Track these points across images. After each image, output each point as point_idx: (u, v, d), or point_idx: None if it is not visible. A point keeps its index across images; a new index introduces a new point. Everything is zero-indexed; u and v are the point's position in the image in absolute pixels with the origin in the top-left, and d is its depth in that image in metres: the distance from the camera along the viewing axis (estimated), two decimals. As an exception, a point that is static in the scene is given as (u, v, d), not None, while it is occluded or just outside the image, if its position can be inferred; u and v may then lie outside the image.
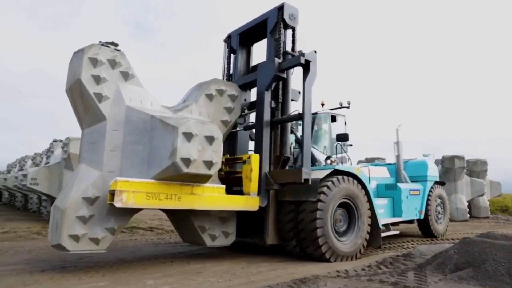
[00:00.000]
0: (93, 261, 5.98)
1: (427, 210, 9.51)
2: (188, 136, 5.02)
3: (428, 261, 5.27)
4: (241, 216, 7.19)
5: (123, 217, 5.32)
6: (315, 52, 6.46)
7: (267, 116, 6.55)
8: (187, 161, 4.94)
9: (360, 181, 6.95)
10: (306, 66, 6.34)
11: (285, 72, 6.73)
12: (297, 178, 5.90)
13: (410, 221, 9.58)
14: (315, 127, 8.39)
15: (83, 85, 5.22)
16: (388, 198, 8.84)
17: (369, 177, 8.31)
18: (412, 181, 9.92)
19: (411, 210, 9.09)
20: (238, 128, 7.45)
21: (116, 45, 5.71)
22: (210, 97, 6.43)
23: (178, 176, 5.04)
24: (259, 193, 6.26)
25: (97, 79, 5.32)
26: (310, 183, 5.98)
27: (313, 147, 8.12)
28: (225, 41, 8.30)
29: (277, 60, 6.55)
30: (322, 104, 8.77)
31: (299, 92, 7.57)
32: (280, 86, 6.91)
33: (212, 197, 5.69)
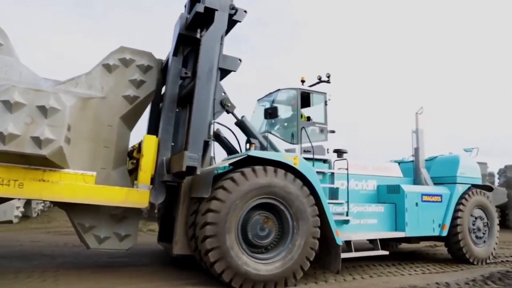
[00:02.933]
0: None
1: (454, 224, 6.72)
2: (8, 105, 3.96)
3: (546, 281, 4.49)
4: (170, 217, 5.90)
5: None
6: (227, -3, 4.83)
7: (171, 88, 5.14)
8: (1, 136, 3.87)
9: (301, 177, 4.97)
10: (210, 17, 4.75)
11: (199, 31, 5.21)
12: (179, 165, 4.35)
13: (437, 238, 6.93)
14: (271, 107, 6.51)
15: None
16: (387, 205, 6.44)
17: (347, 174, 6.12)
18: (436, 183, 7.21)
19: (425, 223, 6.48)
20: None
21: None
22: (108, 67, 5.29)
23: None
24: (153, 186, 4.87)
25: None
26: (198, 173, 4.36)
27: (271, 133, 6.31)
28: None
29: (183, 15, 5.10)
30: (303, 81, 6.87)
31: (240, 60, 5.92)
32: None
33: (74, 186, 4.51)
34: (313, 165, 5.79)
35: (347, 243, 5.65)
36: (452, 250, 6.85)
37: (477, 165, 7.52)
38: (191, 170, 4.31)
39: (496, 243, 7.24)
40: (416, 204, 6.43)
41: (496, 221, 7.32)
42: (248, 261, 4.48)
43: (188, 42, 5.25)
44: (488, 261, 7.01)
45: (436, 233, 6.60)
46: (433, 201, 6.65)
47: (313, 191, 5.01)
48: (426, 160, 7.62)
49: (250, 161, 4.80)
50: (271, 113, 5.28)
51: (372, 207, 6.26)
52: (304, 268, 4.77)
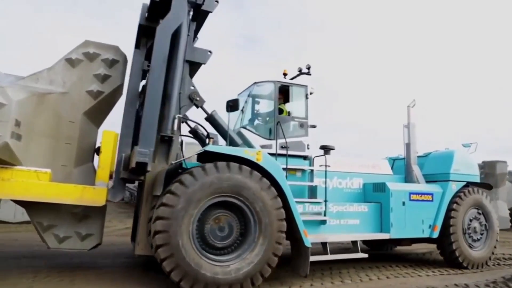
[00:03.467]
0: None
1: (446, 225, 6.24)
2: None
3: None
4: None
5: None
6: (185, -16, 4.58)
7: (132, 81, 4.93)
8: None
9: (266, 174, 4.66)
10: (166, 5, 4.51)
11: (161, 22, 4.97)
12: (131, 162, 4.13)
13: (429, 240, 6.46)
14: (249, 102, 6.21)
15: None
16: (372, 204, 6.04)
17: (325, 171, 5.76)
18: (429, 181, 6.74)
19: (413, 224, 6.04)
20: None
21: None
22: (71, 62, 5.12)
23: None
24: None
25: None
26: (149, 169, 4.13)
27: (246, 129, 6.01)
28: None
29: (145, 5, 4.88)
30: (285, 74, 6.54)
31: (210, 52, 5.67)
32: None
33: (25, 183, 4.36)
34: (287, 162, 5.48)
35: (323, 244, 5.31)
36: (444, 253, 6.37)
37: (475, 161, 6.99)
38: (141, 166, 4.08)
39: (495, 246, 6.70)
40: (403, 203, 6.00)
41: (496, 222, 6.78)
42: (205, 264, 4.18)
43: (149, 33, 5.02)
44: (485, 265, 6.49)
45: (426, 235, 6.14)
46: (422, 200, 6.19)
47: (280, 188, 4.70)
48: (419, 157, 7.17)
49: (218, 157, 4.53)
50: (232, 106, 4.97)
51: (354, 207, 5.87)
52: (272, 264, 4.46)
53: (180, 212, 4.09)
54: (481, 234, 6.59)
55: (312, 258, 4.81)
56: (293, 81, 6.34)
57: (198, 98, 5.42)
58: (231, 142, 5.61)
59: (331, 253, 5.29)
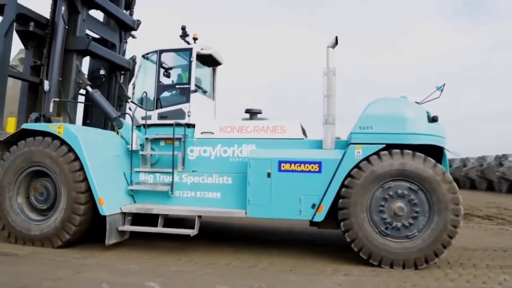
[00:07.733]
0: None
1: (340, 205, 4.34)
2: None
3: None
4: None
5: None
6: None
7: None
8: None
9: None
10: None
11: (32, 25, 5.89)
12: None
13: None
14: (138, 76, 6.14)
15: None
16: (238, 175, 5.09)
17: (194, 139, 5.27)
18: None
19: (283, 202, 4.58)
20: None
21: None
22: None
23: None
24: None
25: None
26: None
27: (133, 103, 6.12)
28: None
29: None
30: (195, 39, 6.21)
31: (88, 37, 6.23)
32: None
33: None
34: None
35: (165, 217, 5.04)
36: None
37: (416, 112, 4.35)
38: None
39: (449, 236, 4.07)
40: (268, 174, 4.66)
41: (450, 199, 4.05)
42: (22, 223, 5.05)
43: (32, 35, 6.05)
44: (423, 264, 4.10)
45: (306, 217, 4.53)
46: (302, 171, 4.58)
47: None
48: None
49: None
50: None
51: (213, 178, 5.08)
52: (74, 222, 4.85)
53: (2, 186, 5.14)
54: (414, 219, 4.16)
55: (122, 228, 4.92)
56: (178, 47, 5.97)
57: (80, 81, 6.13)
58: (109, 118, 6.03)
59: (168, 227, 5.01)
